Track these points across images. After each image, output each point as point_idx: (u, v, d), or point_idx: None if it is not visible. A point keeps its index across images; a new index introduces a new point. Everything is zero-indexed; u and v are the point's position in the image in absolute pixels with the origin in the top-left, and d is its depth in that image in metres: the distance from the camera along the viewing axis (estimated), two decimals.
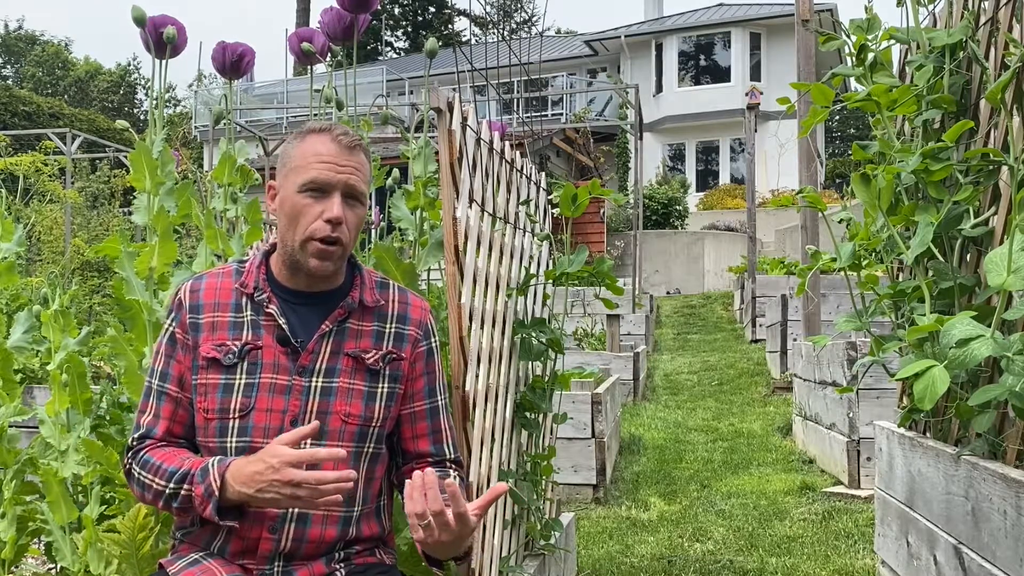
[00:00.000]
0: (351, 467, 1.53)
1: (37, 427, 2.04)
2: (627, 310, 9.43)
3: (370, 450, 1.57)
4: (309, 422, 1.50)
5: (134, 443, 1.57)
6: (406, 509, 1.38)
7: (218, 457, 1.47)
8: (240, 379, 1.52)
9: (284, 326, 1.53)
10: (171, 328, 1.58)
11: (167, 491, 1.47)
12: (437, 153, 1.93)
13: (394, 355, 1.59)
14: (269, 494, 1.38)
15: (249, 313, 1.55)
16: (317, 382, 1.53)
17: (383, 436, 1.60)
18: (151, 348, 1.91)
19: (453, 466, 1.67)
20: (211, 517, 1.43)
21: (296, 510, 1.49)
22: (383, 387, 1.58)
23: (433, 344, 1.67)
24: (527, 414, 2.39)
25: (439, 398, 1.67)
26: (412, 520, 1.38)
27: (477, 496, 1.87)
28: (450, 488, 1.37)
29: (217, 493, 1.42)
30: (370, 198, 1.65)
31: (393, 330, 1.61)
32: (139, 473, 1.52)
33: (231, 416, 1.51)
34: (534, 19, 40.32)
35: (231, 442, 1.50)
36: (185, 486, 1.45)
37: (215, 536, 1.51)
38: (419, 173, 2.16)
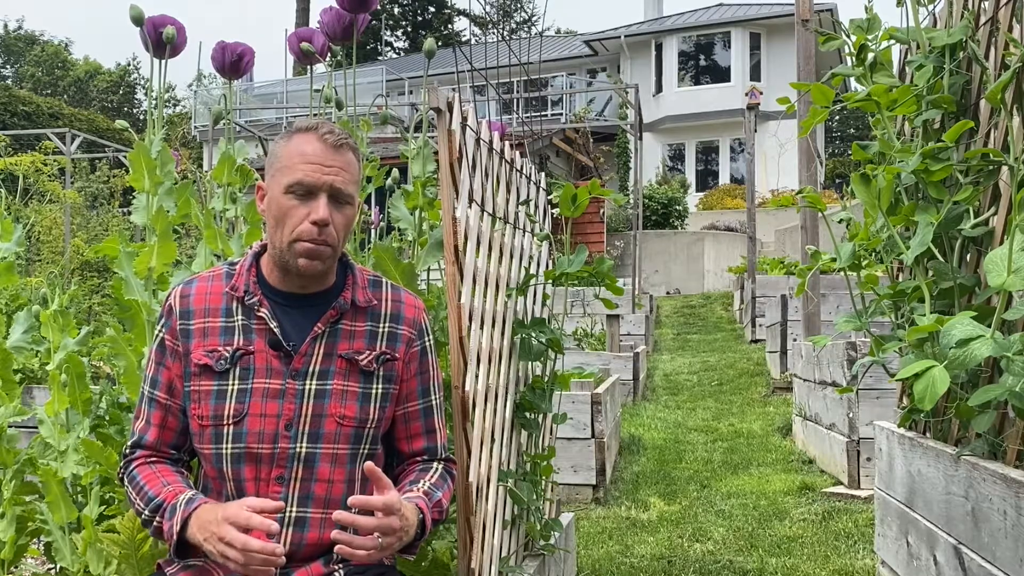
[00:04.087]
0: (347, 469, 1.54)
1: (37, 427, 2.04)
2: (627, 310, 9.42)
3: (365, 451, 1.56)
4: (304, 425, 1.51)
5: (127, 451, 1.59)
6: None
7: (190, 495, 1.47)
8: (233, 385, 1.51)
9: (276, 330, 1.52)
10: (161, 334, 1.57)
11: (143, 515, 1.50)
12: (436, 153, 1.93)
13: (388, 355, 1.58)
14: (208, 546, 1.38)
15: (240, 317, 1.54)
16: (311, 385, 1.52)
17: (378, 437, 1.59)
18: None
19: (443, 463, 1.67)
20: (173, 556, 1.46)
21: (294, 514, 1.50)
22: (377, 388, 1.57)
23: (427, 343, 1.65)
24: (527, 414, 2.38)
25: (433, 397, 1.66)
26: (375, 555, 1.40)
27: (477, 496, 1.87)
28: (368, 468, 1.40)
29: (175, 537, 1.43)
30: (370, 198, 1.64)
31: (387, 330, 1.59)
32: (127, 487, 1.55)
33: (225, 423, 1.50)
34: (534, 19, 40.34)
35: (226, 448, 1.50)
36: (157, 517, 1.47)
37: None
38: (418, 173, 2.16)
